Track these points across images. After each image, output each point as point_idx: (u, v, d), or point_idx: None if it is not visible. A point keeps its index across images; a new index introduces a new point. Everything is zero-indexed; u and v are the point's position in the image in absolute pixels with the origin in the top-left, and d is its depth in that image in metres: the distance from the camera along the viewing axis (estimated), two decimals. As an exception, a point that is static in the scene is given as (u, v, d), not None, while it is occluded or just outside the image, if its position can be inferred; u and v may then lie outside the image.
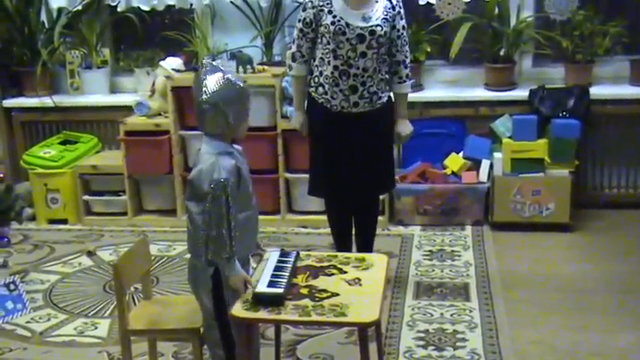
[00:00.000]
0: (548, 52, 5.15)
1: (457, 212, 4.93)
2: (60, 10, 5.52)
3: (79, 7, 5.49)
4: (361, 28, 3.67)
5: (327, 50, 3.74)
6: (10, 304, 3.93)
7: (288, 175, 5.04)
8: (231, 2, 5.35)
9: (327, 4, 3.70)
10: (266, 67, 5.03)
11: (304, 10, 3.80)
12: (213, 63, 2.80)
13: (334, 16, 3.68)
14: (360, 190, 3.96)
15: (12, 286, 3.98)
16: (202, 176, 2.67)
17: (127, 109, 5.27)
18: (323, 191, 4.09)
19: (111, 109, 5.50)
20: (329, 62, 3.75)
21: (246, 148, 2.88)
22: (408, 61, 3.88)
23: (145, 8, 5.45)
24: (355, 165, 3.86)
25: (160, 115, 5.18)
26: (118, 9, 5.50)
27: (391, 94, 3.94)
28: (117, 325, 3.11)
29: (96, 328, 3.78)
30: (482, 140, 5.05)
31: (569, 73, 5.12)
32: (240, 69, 4.87)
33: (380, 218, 4.83)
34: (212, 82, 2.70)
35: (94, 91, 5.64)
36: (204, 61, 2.82)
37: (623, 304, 3.83)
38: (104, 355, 3.49)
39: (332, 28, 3.67)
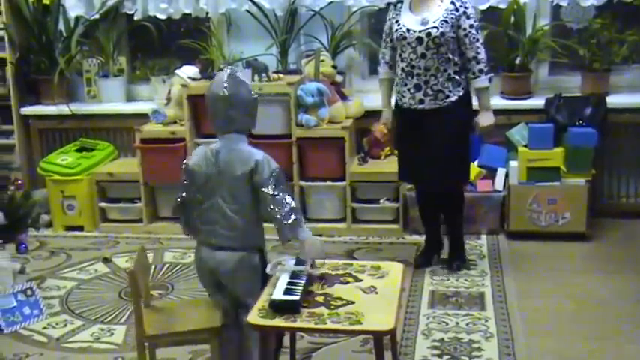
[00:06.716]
0: (565, 60, 5.14)
1: (473, 221, 4.91)
2: (77, 18, 5.56)
3: (97, 16, 5.53)
4: (419, 32, 4.02)
5: (398, 54, 4.16)
6: (27, 310, 3.96)
7: (302, 183, 5.04)
8: (247, 11, 5.38)
9: (397, 14, 4.15)
10: (281, 75, 5.05)
11: (387, 20, 4.23)
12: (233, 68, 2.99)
13: (399, 25, 4.10)
14: (429, 183, 4.27)
15: (29, 292, 4.01)
16: (259, 168, 2.85)
17: (143, 117, 5.30)
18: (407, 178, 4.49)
19: (127, 116, 5.54)
20: (399, 64, 4.16)
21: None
22: (480, 56, 4.08)
23: (162, 17, 5.49)
24: (423, 158, 4.15)
25: (175, 122, 5.20)
26: (135, 18, 5.54)
27: (462, 92, 4.12)
28: (133, 331, 3.11)
29: (112, 334, 3.80)
30: (497, 149, 5.04)
31: (585, 81, 5.10)
32: (256, 77, 4.89)
33: (395, 227, 4.82)
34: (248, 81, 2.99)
35: (111, 99, 5.68)
36: (227, 68, 3.00)
37: (639, 314, 3.80)
38: None
39: (396, 35, 4.11)
